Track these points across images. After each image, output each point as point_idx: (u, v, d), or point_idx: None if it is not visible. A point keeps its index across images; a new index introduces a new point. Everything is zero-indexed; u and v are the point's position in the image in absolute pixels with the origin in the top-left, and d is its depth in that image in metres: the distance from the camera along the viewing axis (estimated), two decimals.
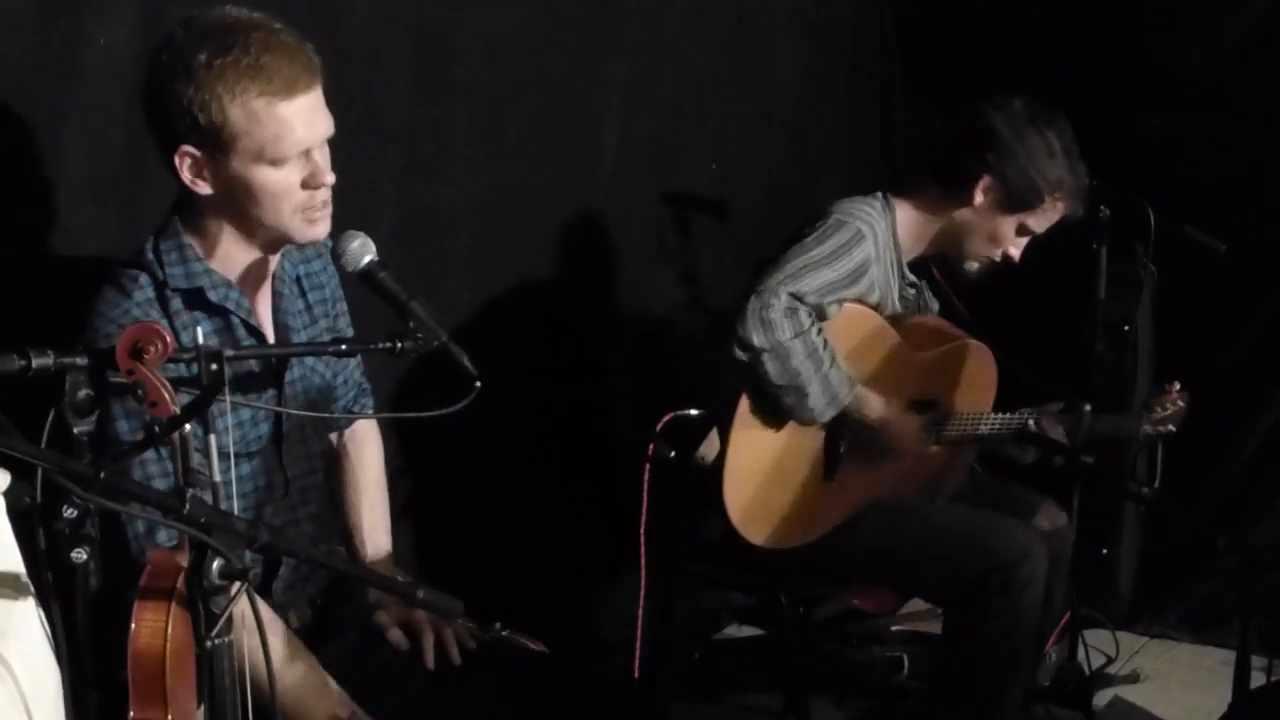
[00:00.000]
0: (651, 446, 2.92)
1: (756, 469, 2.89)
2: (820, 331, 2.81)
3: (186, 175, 1.97)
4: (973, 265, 3.05)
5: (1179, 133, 3.87)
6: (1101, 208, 3.26)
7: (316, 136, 2.00)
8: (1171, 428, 3.18)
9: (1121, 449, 3.37)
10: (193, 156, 1.96)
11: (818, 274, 2.82)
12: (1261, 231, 3.71)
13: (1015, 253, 3.03)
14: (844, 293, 2.87)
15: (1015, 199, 2.94)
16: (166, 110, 1.94)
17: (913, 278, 3.07)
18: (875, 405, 2.92)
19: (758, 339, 2.76)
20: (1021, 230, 2.99)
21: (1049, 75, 3.68)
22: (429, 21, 3.06)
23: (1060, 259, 3.14)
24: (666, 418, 2.90)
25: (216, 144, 1.94)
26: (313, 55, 1.99)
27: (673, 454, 2.90)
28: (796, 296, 2.78)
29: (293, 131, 1.95)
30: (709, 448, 2.89)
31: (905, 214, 3.01)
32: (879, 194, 3.01)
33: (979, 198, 2.95)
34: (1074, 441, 3.02)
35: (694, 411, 2.95)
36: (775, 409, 2.85)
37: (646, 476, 2.93)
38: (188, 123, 1.93)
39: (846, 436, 2.95)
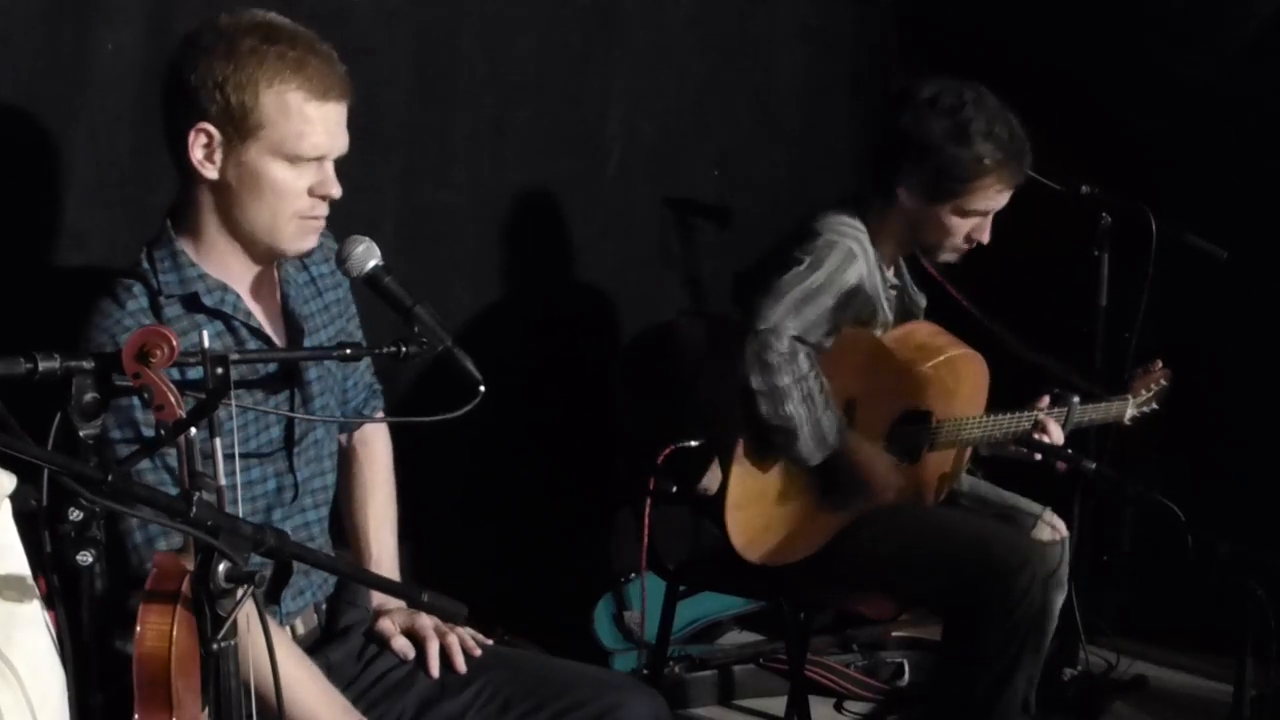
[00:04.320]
0: (653, 481, 2.91)
1: (758, 498, 2.87)
2: (818, 375, 2.77)
3: (197, 154, 1.96)
4: (947, 256, 3.00)
5: (1179, 136, 3.87)
6: (1103, 215, 3.26)
7: (335, 147, 2.01)
8: (1156, 406, 3.17)
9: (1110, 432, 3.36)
10: (209, 135, 1.95)
11: (816, 304, 2.78)
12: (1262, 235, 3.71)
13: (981, 236, 2.94)
14: (841, 316, 2.84)
15: (935, 191, 2.87)
16: (195, 85, 1.93)
17: (894, 279, 3.04)
18: (861, 451, 2.89)
19: (754, 381, 2.72)
20: (967, 213, 2.90)
21: (1050, 80, 3.69)
22: (432, 26, 3.07)
23: (1062, 266, 3.15)
24: (667, 450, 2.88)
25: (240, 127, 1.94)
26: (347, 78, 2.01)
27: (674, 489, 2.89)
28: (798, 339, 2.73)
29: (316, 134, 1.97)
30: (711, 479, 2.86)
31: (873, 224, 2.96)
32: (852, 207, 2.96)
33: (903, 198, 2.91)
34: (1065, 429, 3.01)
35: (694, 443, 2.92)
36: (769, 444, 2.83)
37: (648, 510, 2.92)
38: (217, 99, 1.93)
39: (840, 475, 2.92)
